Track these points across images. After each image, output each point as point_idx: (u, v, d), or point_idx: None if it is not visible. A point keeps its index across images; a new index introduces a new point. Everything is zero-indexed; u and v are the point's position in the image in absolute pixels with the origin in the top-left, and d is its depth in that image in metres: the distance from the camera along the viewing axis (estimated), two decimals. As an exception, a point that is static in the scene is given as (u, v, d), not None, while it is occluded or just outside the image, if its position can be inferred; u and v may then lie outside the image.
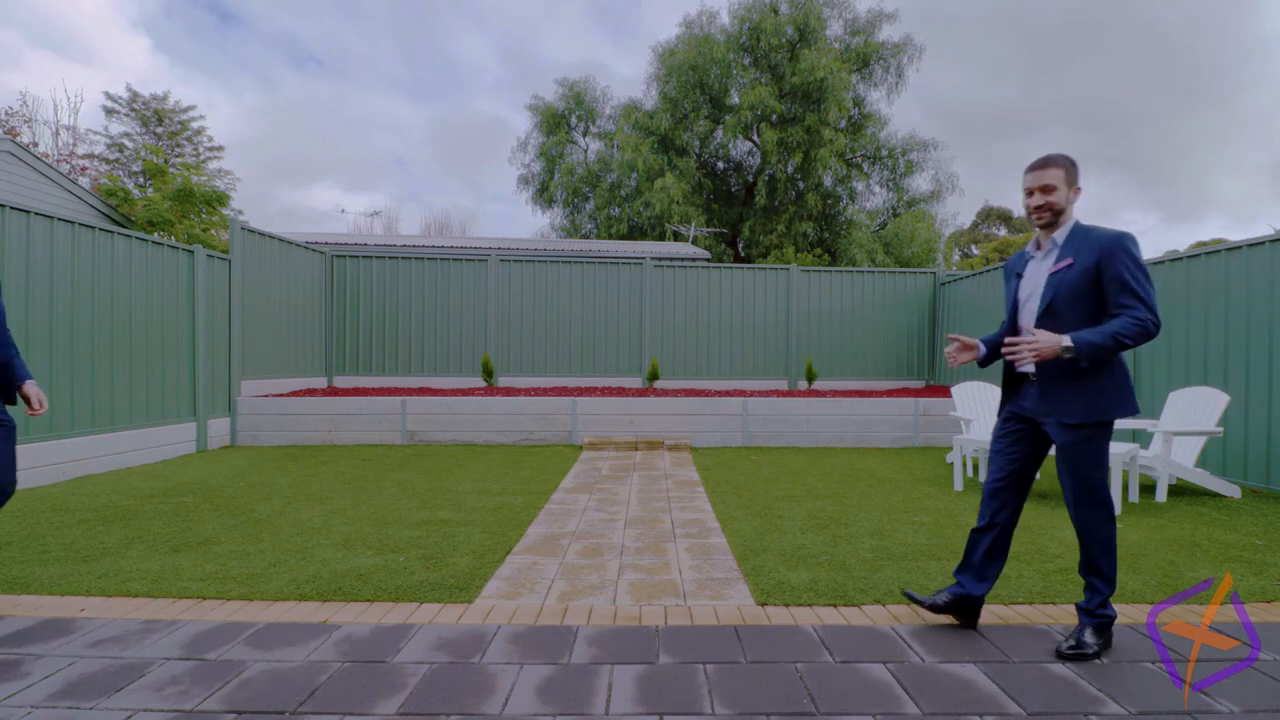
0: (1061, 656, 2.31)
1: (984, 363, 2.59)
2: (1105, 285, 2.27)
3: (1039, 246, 2.47)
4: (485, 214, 65.06)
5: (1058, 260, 2.37)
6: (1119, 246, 2.26)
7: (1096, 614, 2.39)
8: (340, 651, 2.35)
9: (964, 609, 2.57)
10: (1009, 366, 2.55)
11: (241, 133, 51.38)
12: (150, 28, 46.92)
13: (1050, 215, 2.37)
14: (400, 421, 7.64)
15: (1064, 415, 2.33)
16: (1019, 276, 2.52)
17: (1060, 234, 2.40)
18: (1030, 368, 2.41)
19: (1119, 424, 5.63)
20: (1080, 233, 2.36)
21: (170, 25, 49.49)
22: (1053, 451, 2.50)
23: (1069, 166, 2.37)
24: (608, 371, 10.02)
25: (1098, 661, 2.30)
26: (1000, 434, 2.58)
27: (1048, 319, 2.34)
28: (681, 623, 2.64)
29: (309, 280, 9.08)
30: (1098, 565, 2.39)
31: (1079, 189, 2.41)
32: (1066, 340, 2.22)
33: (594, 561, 3.44)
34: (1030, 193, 2.40)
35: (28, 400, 2.61)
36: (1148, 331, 2.20)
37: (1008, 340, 2.36)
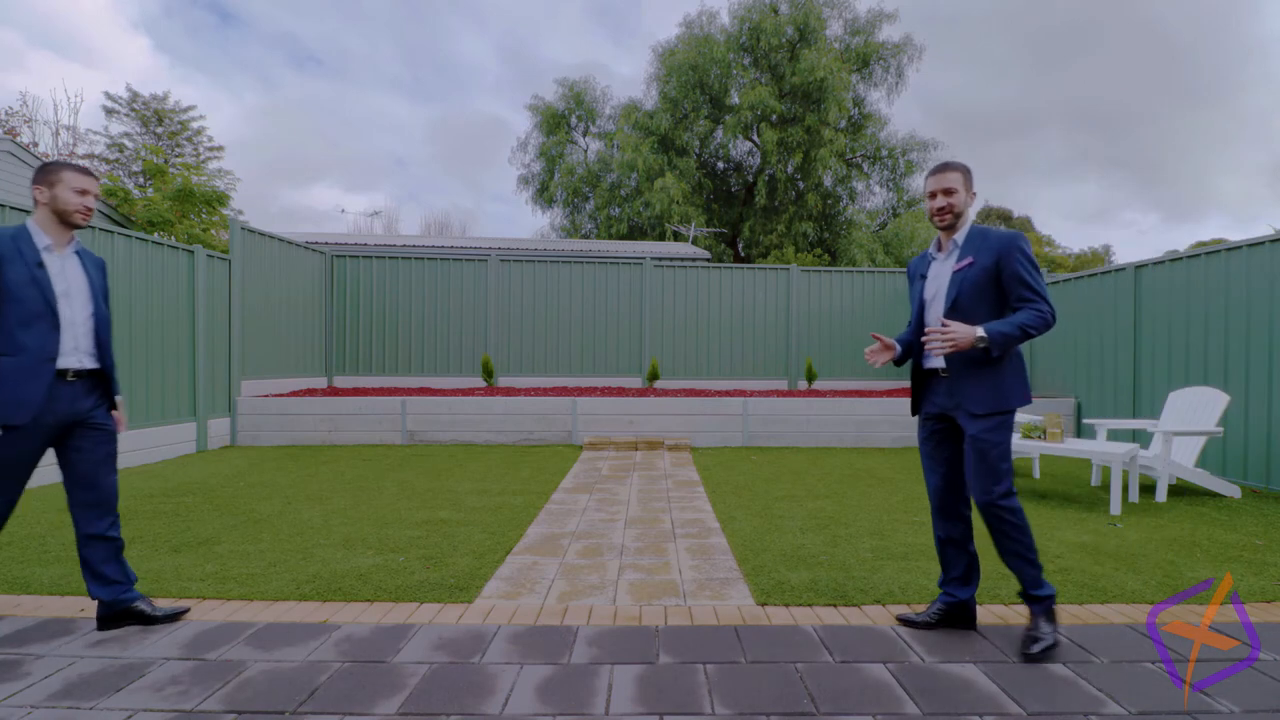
0: (1028, 658, 2.30)
1: (899, 361, 2.66)
2: (1005, 282, 2.42)
3: (940, 248, 2.58)
4: (485, 214, 65.15)
5: (959, 259, 2.47)
6: (1014, 246, 2.40)
7: (1039, 596, 2.42)
8: (340, 651, 2.35)
9: (958, 615, 2.59)
10: (918, 366, 2.64)
11: (242, 133, 51.45)
12: (150, 28, 46.97)
13: (951, 217, 2.49)
14: (400, 421, 7.64)
15: (972, 405, 2.41)
16: (923, 277, 2.61)
17: (960, 235, 2.52)
18: (940, 362, 2.50)
19: (1118, 424, 5.64)
20: (978, 234, 2.48)
21: (170, 25, 49.55)
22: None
23: (966, 173, 2.51)
24: (608, 371, 10.02)
25: (1097, 661, 2.30)
26: (924, 438, 2.65)
27: (954, 315, 2.44)
28: (681, 623, 2.64)
29: (309, 280, 9.08)
30: (1017, 549, 2.41)
31: (975, 194, 2.55)
32: (980, 331, 2.31)
33: (594, 561, 3.44)
34: (933, 195, 2.51)
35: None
36: (1048, 322, 2.37)
37: (927, 330, 2.41)
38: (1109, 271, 7.33)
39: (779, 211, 23.04)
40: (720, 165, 25.22)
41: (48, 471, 5.27)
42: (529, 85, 60.06)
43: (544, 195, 26.21)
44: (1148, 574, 3.26)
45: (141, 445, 6.23)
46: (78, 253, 2.53)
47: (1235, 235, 40.81)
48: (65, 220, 2.45)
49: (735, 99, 22.65)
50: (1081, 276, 7.75)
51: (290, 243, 8.65)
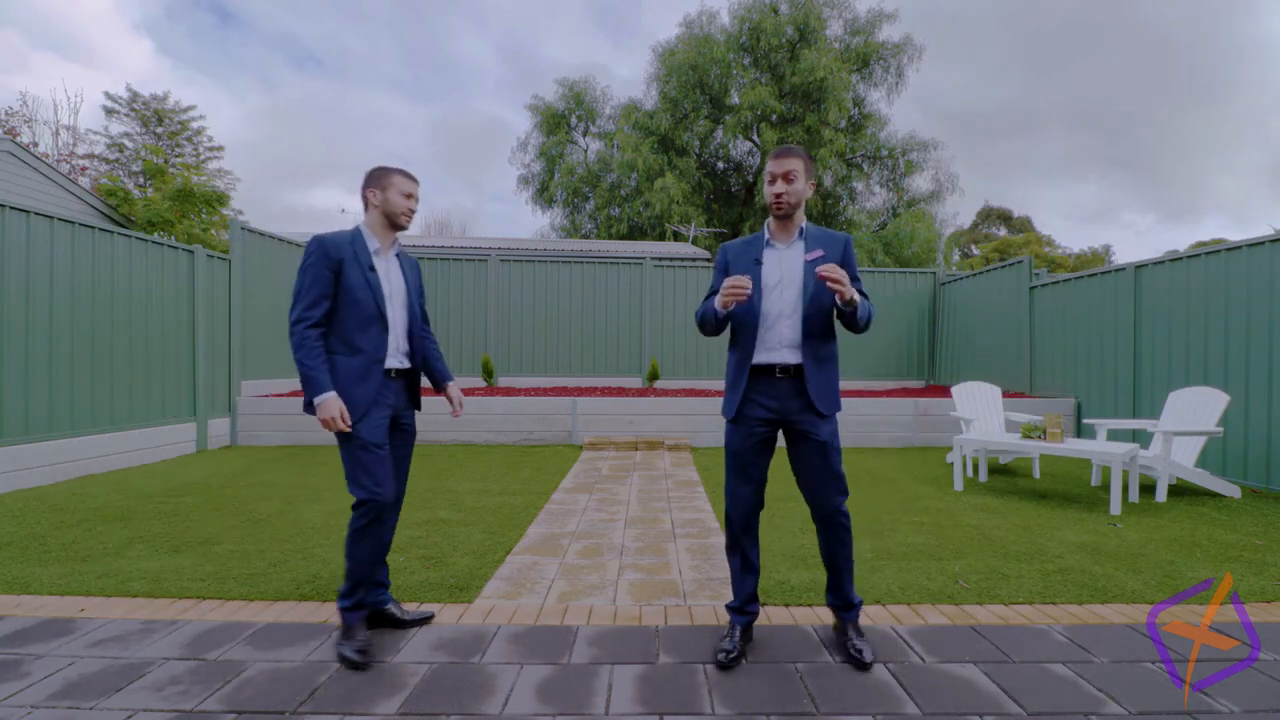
0: (863, 666, 2.25)
1: (719, 329, 2.45)
2: None
3: (774, 234, 2.46)
4: (485, 214, 65.31)
5: (809, 250, 2.40)
6: (851, 248, 2.45)
7: (857, 603, 2.44)
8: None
9: (751, 631, 2.49)
10: (748, 363, 2.39)
11: (244, 134, 51.57)
12: (152, 29, 47.11)
13: (789, 205, 2.36)
14: (400, 421, 7.62)
15: (823, 406, 2.34)
16: (758, 262, 2.41)
17: (803, 226, 2.44)
18: (781, 357, 2.35)
19: (1118, 424, 5.64)
20: (818, 230, 2.46)
21: (172, 27, 49.67)
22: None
23: (808, 160, 2.40)
24: (608, 371, 10.02)
25: (1097, 661, 2.30)
26: (748, 445, 2.39)
27: (810, 307, 2.35)
28: (681, 622, 2.64)
29: (309, 280, 9.06)
30: (847, 554, 2.42)
31: (814, 185, 2.47)
32: (855, 291, 2.26)
33: (594, 561, 3.44)
34: (774, 179, 2.38)
35: (450, 400, 2.84)
36: (872, 319, 2.42)
37: (821, 271, 2.20)
38: (1109, 271, 7.32)
39: (779, 211, 23.01)
40: (720, 165, 25.22)
41: (46, 472, 5.27)
42: (529, 85, 60.23)
43: (544, 195, 26.22)
44: (1148, 574, 3.26)
45: (141, 445, 6.23)
46: (397, 254, 2.60)
47: (1235, 235, 40.86)
48: (393, 223, 2.53)
49: (735, 99, 22.66)
50: (1081, 276, 7.74)
51: (291, 242, 8.65)
